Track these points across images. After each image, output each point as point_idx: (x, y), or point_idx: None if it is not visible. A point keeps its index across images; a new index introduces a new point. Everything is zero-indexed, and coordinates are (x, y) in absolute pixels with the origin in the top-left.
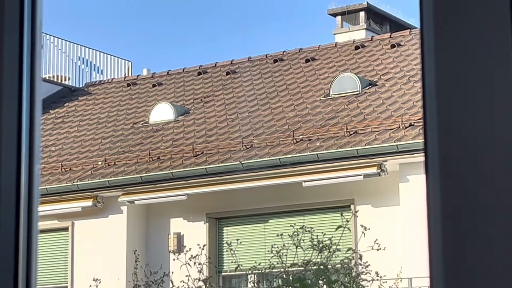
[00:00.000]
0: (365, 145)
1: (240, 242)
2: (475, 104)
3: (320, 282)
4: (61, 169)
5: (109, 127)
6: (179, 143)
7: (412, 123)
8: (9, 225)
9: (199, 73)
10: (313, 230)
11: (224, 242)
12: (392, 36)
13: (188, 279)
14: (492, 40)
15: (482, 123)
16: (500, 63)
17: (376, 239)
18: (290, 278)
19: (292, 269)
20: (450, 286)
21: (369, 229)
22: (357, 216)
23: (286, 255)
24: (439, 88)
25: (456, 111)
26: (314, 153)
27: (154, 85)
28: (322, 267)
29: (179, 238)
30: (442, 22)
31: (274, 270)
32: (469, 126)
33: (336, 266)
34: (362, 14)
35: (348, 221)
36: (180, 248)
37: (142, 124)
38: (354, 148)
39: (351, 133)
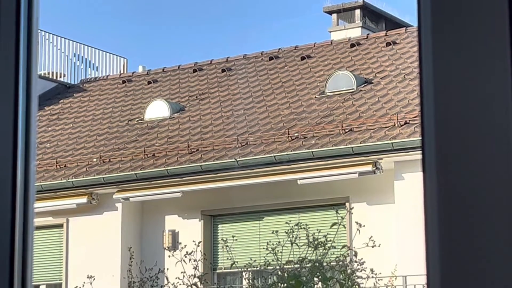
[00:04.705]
0: (360, 143)
1: (236, 239)
2: (473, 102)
3: (315, 279)
4: (56, 165)
5: (104, 124)
6: (174, 140)
7: (407, 121)
8: (5, 222)
9: (195, 70)
10: (308, 227)
11: (219, 239)
12: (387, 34)
13: (184, 276)
14: (490, 38)
15: (480, 121)
16: (498, 61)
17: (371, 236)
18: (285, 275)
19: (287, 266)
20: (447, 284)
21: (364, 226)
22: (352, 214)
23: (281, 252)
24: (436, 86)
25: (453, 109)
26: (309, 150)
27: (149, 82)
28: (317, 264)
29: (174, 235)
30: (440, 20)
31: (269, 267)
32: (467, 124)
33: (331, 263)
34: (357, 12)
35: (343, 218)
36: (175, 245)
37: (137, 121)
38: (349, 146)
39: (346, 131)
